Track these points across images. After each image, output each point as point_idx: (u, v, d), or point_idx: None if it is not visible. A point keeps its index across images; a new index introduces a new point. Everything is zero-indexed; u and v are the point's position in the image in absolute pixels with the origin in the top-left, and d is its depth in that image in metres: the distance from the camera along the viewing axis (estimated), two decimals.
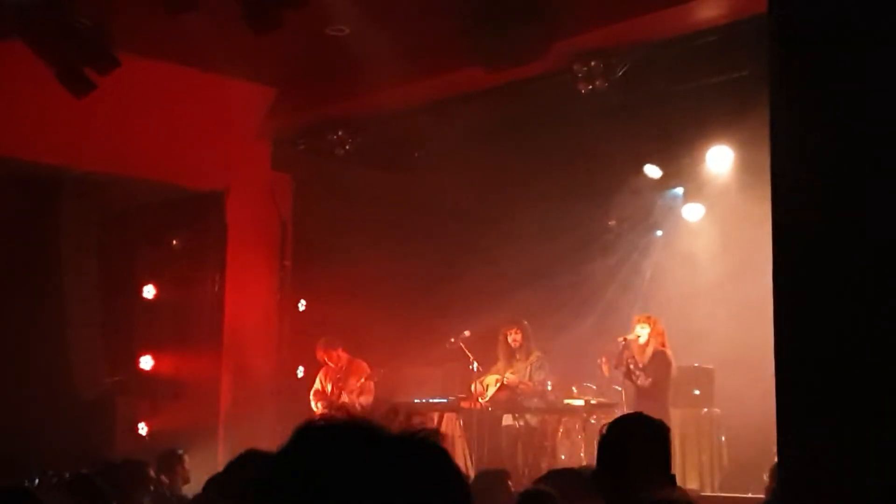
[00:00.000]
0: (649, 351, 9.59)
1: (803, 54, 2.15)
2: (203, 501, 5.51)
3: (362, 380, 10.66)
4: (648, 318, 9.77)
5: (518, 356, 10.22)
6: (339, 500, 1.29)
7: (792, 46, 2.17)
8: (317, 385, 10.94)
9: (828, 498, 1.98)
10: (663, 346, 9.64)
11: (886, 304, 1.88)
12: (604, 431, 3.47)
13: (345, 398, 10.66)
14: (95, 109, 9.85)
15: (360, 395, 10.65)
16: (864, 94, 2.03)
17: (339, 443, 1.34)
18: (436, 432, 1.40)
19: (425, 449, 1.35)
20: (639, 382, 9.51)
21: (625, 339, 9.64)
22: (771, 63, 2.21)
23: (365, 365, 10.78)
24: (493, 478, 5.81)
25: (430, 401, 10.48)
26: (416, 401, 10.61)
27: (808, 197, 2.04)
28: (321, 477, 1.31)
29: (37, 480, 6.97)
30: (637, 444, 3.35)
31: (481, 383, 10.28)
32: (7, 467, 7.82)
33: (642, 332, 9.64)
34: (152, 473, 7.40)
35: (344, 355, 10.86)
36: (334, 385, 10.80)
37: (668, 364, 9.58)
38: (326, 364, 10.92)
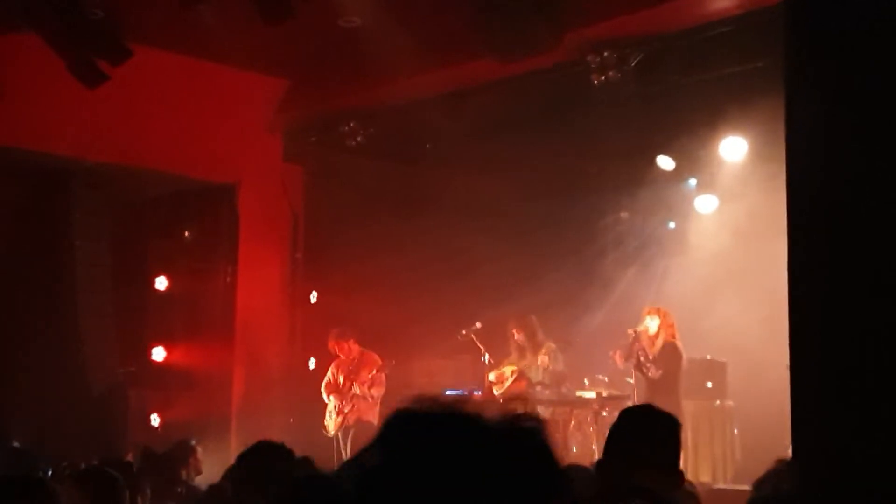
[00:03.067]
0: (659, 342, 9.57)
1: (819, 44, 2.12)
2: (219, 491, 5.53)
3: (374, 371, 10.66)
4: (658, 309, 9.75)
5: (527, 351, 10.18)
6: (442, 491, 1.26)
7: (808, 36, 2.15)
8: (328, 377, 10.94)
9: (844, 490, 1.96)
10: (673, 337, 9.62)
11: None
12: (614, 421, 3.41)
13: (356, 390, 10.66)
14: (108, 101, 9.86)
15: (371, 387, 10.65)
16: (882, 85, 2.00)
17: (439, 433, 1.30)
18: (541, 421, 1.36)
19: (528, 439, 1.32)
20: (649, 374, 9.49)
21: (634, 332, 9.62)
22: (786, 53, 2.18)
23: (376, 356, 10.77)
24: None
25: (442, 393, 10.46)
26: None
27: (824, 190, 2.02)
28: (424, 468, 1.28)
29: (50, 472, 6.98)
30: (644, 435, 3.27)
31: (498, 373, 10.26)
32: (20, 459, 7.83)
33: (652, 323, 9.62)
34: (184, 475, 7.42)
35: (356, 347, 10.86)
36: (346, 377, 10.80)
37: (678, 355, 9.55)
38: (338, 356, 10.92)
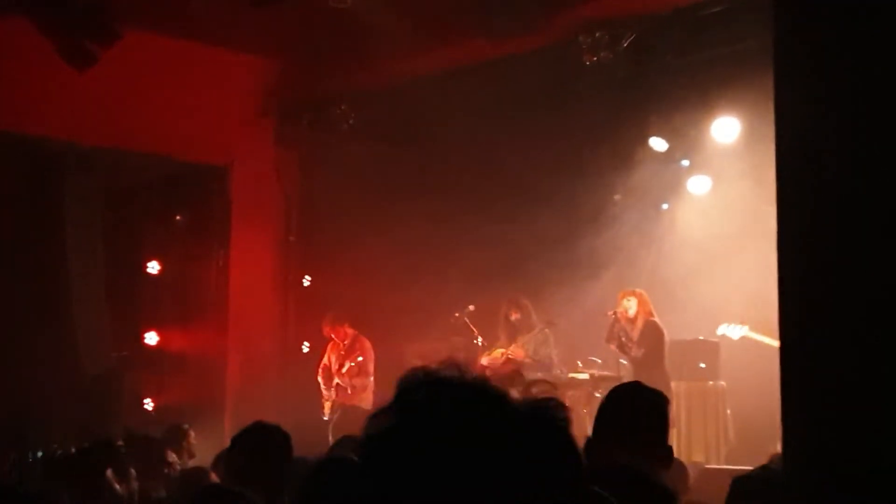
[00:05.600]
0: (640, 322, 9.63)
1: (808, 25, 2.10)
2: (197, 473, 5.52)
3: (359, 358, 10.68)
4: (633, 291, 9.82)
5: (520, 333, 10.21)
6: (455, 467, 1.21)
7: (796, 16, 2.13)
8: (325, 361, 10.97)
9: (832, 472, 1.96)
10: (652, 315, 9.67)
11: (893, 284, 1.84)
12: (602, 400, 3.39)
13: (337, 379, 10.72)
14: (99, 84, 9.81)
15: (353, 377, 10.68)
16: (870, 66, 1.98)
17: (465, 405, 1.25)
18: (562, 405, 1.32)
19: (550, 422, 1.28)
20: (632, 354, 9.56)
21: (614, 313, 9.67)
22: (775, 34, 2.16)
23: (368, 344, 10.83)
24: None
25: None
26: None
27: (813, 170, 2.00)
28: (442, 440, 1.22)
29: (40, 453, 6.98)
30: (631, 413, 3.26)
31: (489, 357, 10.28)
32: (14, 442, 7.84)
33: (629, 304, 9.67)
34: (176, 458, 7.42)
35: (350, 330, 10.89)
36: (338, 360, 10.82)
37: (660, 333, 9.60)
38: (333, 340, 10.94)
